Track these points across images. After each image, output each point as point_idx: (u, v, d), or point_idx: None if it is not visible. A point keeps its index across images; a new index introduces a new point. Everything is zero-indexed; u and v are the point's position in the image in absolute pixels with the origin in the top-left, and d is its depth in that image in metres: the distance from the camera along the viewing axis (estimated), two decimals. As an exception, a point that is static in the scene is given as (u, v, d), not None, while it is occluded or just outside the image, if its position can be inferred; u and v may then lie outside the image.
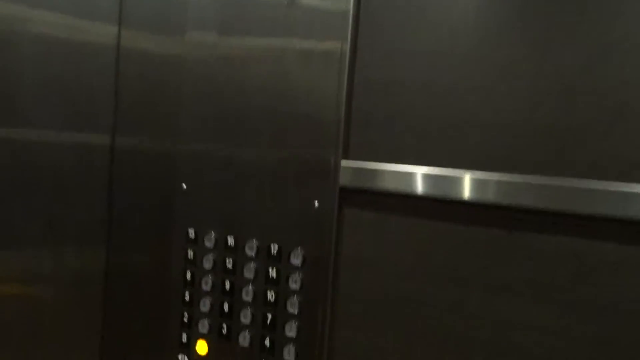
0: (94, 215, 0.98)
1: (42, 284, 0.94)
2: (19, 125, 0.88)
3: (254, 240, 0.82)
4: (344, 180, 0.74)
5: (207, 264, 0.86)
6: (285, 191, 0.79)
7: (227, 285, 0.84)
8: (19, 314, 0.91)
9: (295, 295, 0.78)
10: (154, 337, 0.93)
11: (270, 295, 0.80)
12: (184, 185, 0.89)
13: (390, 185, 0.71)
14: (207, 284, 0.86)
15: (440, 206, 0.68)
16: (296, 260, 0.78)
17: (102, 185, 0.98)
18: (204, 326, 0.87)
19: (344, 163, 0.74)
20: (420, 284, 0.70)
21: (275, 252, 0.80)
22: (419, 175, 0.69)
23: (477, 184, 0.65)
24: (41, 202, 0.92)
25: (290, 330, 0.78)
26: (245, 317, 0.82)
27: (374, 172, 0.72)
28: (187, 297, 0.89)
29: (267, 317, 0.80)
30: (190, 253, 0.88)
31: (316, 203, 0.76)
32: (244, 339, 0.82)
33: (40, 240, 0.93)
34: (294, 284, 0.78)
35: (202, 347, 0.87)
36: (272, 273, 0.80)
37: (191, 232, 0.88)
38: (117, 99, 0.96)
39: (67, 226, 0.95)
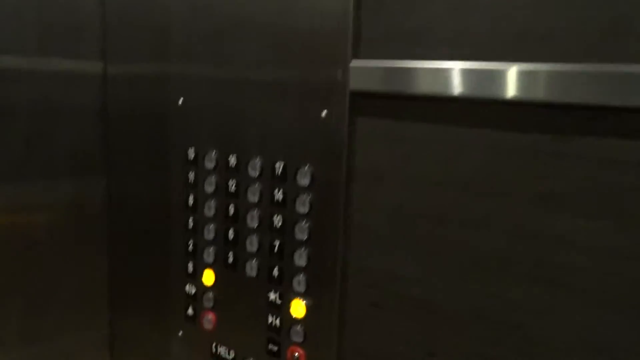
0: (90, 144, 0.90)
1: (42, 214, 0.88)
2: (2, 52, 0.81)
3: (257, 159, 0.72)
4: (354, 83, 0.62)
5: (209, 187, 0.77)
6: (287, 101, 0.68)
7: (231, 210, 0.75)
8: (23, 242, 0.86)
9: (304, 220, 0.68)
10: (159, 268, 0.87)
11: (277, 221, 0.71)
12: (180, 101, 0.79)
13: (411, 86, 0.59)
14: (210, 210, 0.78)
15: (474, 109, 0.56)
16: (304, 179, 0.67)
17: (96, 113, 0.90)
18: (209, 255, 0.79)
19: (354, 63, 0.62)
20: (447, 200, 0.59)
21: (279, 171, 0.69)
22: (449, 72, 0.56)
23: (523, 78, 0.52)
24: (34, 133, 0.84)
25: (300, 259, 0.69)
26: (252, 244, 0.74)
27: (391, 72, 0.60)
28: (190, 224, 0.81)
29: (274, 245, 0.71)
30: (191, 176, 0.79)
31: (323, 113, 0.65)
32: (251, 269, 0.74)
33: (37, 172, 0.86)
34: (302, 206, 0.68)
35: (208, 277, 0.79)
36: (278, 195, 0.70)
37: (191, 153, 0.79)
38: (104, 22, 0.86)
39: (64, 157, 0.88)
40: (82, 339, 0.95)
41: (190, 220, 0.80)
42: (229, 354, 0.79)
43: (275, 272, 0.72)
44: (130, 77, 0.87)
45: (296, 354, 0.71)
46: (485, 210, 0.56)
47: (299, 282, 0.70)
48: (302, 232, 0.68)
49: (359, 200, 0.65)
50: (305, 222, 0.68)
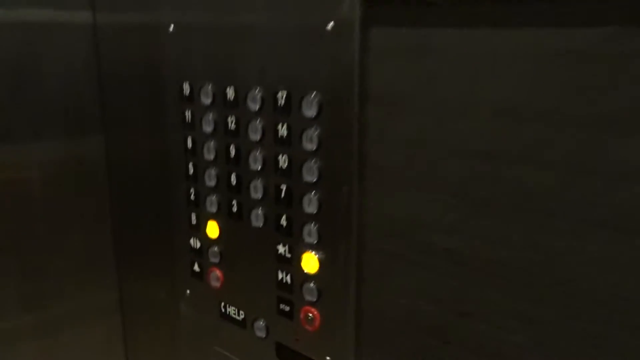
0: (83, 98, 0.81)
1: (36, 172, 0.80)
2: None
3: (257, 90, 0.61)
4: (366, -16, 0.50)
5: (207, 126, 0.67)
6: (287, 15, 0.57)
7: (232, 151, 0.65)
8: (16, 200, 0.79)
9: (313, 159, 0.57)
10: (163, 221, 0.78)
11: (282, 161, 0.60)
12: (171, 28, 0.69)
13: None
14: (209, 152, 0.68)
15: (514, 6, 0.43)
16: (310, 110, 0.56)
17: (86, 62, 0.81)
18: (212, 204, 0.69)
19: (365, -43, 0.50)
20: (483, 128, 0.46)
21: (282, 102, 0.58)
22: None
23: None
24: (21, 89, 0.76)
25: (310, 205, 0.58)
26: (256, 190, 0.64)
27: (410, -34, 0.47)
28: (190, 170, 0.71)
29: (280, 190, 0.61)
30: (188, 114, 0.69)
31: (330, 25, 0.53)
32: (257, 218, 0.64)
33: (31, 133, 0.79)
34: (309, 142, 0.57)
35: (212, 229, 0.70)
36: (282, 131, 0.59)
37: (186, 88, 0.69)
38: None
39: (59, 115, 0.80)
40: (90, 302, 0.89)
41: (190, 165, 0.71)
42: (238, 314, 0.70)
43: (283, 221, 0.61)
44: (121, 20, 0.77)
45: (310, 314, 0.61)
46: (531, 140, 0.44)
47: (310, 232, 0.59)
48: (310, 173, 0.58)
49: (376, 132, 0.53)
50: (314, 161, 0.57)
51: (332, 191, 0.57)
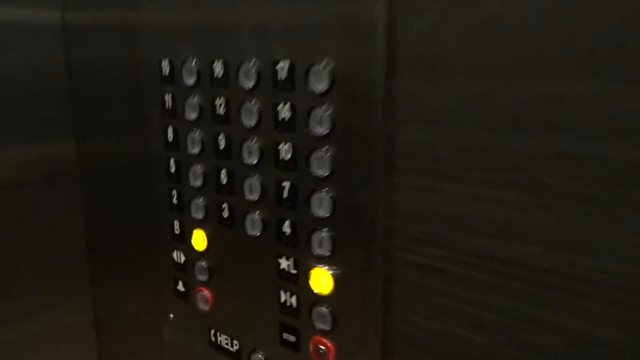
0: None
1: (3, 181, 0.68)
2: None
3: (252, 62, 0.48)
4: None
5: (192, 112, 0.54)
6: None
7: (222, 141, 0.52)
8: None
9: (324, 146, 0.44)
10: (142, 230, 0.65)
11: (285, 151, 0.47)
12: (147, -7, 0.56)
13: None
14: (194, 144, 0.55)
15: None
16: (319, 83, 0.43)
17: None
18: (198, 209, 0.56)
19: None
20: (553, 96, 0.34)
21: (284, 75, 0.46)
22: None
23: None
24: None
25: (321, 205, 0.46)
26: (252, 189, 0.51)
27: None
28: (171, 167, 0.58)
29: (282, 188, 0.48)
30: (168, 98, 0.56)
31: (345, -33, 0.40)
32: (253, 225, 0.51)
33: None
34: (319, 126, 0.44)
35: (199, 239, 0.57)
36: (284, 112, 0.46)
37: (165, 66, 0.56)
38: None
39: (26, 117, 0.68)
40: (61, 322, 0.76)
41: (172, 162, 0.58)
42: (231, 344, 0.57)
43: (287, 227, 0.49)
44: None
45: (322, 347, 0.48)
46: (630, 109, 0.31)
47: (321, 241, 0.46)
48: (321, 164, 0.45)
49: (407, 107, 0.40)
50: (326, 150, 0.44)
51: (350, 188, 0.44)
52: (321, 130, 0.44)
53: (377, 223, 0.43)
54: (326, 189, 0.45)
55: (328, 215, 0.45)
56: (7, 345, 0.73)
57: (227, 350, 0.58)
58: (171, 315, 0.64)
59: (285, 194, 0.48)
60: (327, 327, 0.47)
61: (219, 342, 0.58)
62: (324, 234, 0.46)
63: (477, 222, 0.38)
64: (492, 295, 0.38)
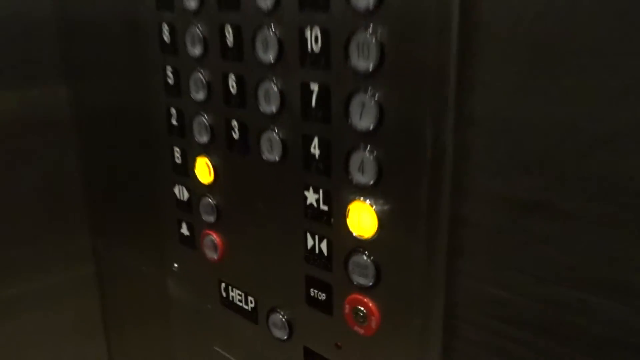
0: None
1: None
2: None
3: None
4: None
5: (191, 1, 0.41)
6: None
7: (229, 34, 0.39)
8: None
9: (369, 23, 0.31)
10: (140, 161, 0.53)
11: (312, 39, 0.34)
12: None
13: None
14: (194, 42, 0.42)
15: None
16: None
17: None
18: (202, 129, 0.44)
19: None
20: None
21: None
22: None
23: None
24: None
25: (363, 115, 0.32)
26: (269, 98, 0.38)
27: None
28: (168, 76, 0.45)
29: (310, 91, 0.35)
30: (162, -14, 0.43)
31: None
32: (271, 147, 0.39)
33: None
34: (363, -6, 0.30)
35: (203, 169, 0.45)
36: (312, -18, 0.33)
37: (157, -60, 0.43)
38: None
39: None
40: (61, 277, 0.66)
41: (168, 69, 0.45)
42: (246, 302, 0.45)
43: (315, 147, 0.36)
44: None
45: (361, 308, 0.36)
46: None
47: (362, 163, 0.33)
48: (364, 54, 0.31)
49: None
50: (371, 30, 0.31)
51: (403, 86, 0.30)
52: (365, 2, 0.30)
53: (445, 135, 0.29)
54: (370, 90, 0.32)
55: (373, 126, 0.32)
56: (7, 302, 0.63)
57: (241, 308, 0.46)
58: (175, 265, 0.52)
59: (313, 101, 0.35)
60: (369, 283, 0.35)
61: (231, 298, 0.47)
62: (367, 154, 0.33)
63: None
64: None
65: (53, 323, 0.66)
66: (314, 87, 0.34)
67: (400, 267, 0.33)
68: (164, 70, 0.45)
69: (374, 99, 0.31)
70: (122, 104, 0.55)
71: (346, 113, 0.33)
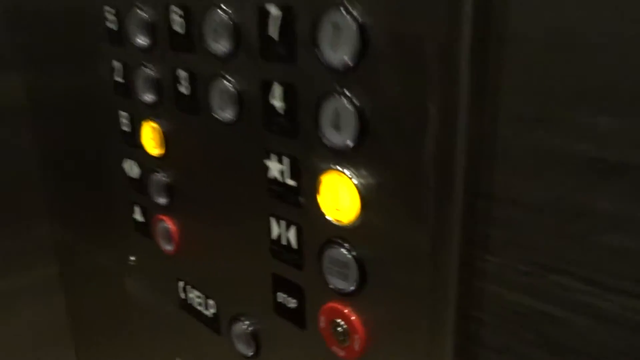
0: None
1: None
2: None
3: None
4: None
5: None
6: None
7: (171, -47, 0.29)
8: None
9: None
10: (92, 145, 0.44)
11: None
12: None
13: None
14: (135, -30, 0.32)
15: None
16: None
17: None
18: (147, 85, 0.34)
19: None
20: None
21: None
22: None
23: None
24: None
25: (337, 48, 0.22)
26: (219, 34, 0.28)
27: None
28: (110, 22, 0.36)
29: (268, 24, 0.25)
30: None
31: None
32: (225, 102, 0.29)
33: None
34: None
35: (149, 136, 0.35)
36: None
37: None
38: None
39: None
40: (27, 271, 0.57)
41: (110, 13, 0.36)
42: (206, 306, 0.36)
43: (277, 99, 0.26)
44: None
45: (340, 322, 0.26)
46: None
47: (338, 117, 0.23)
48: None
49: None
50: None
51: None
52: None
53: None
54: (347, 3, 0.21)
55: (352, 59, 0.22)
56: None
57: (201, 313, 0.36)
58: (131, 258, 0.43)
59: (274, 32, 0.25)
60: (350, 287, 0.25)
61: (189, 301, 0.37)
62: (343, 101, 0.23)
63: None
64: None
65: (11, 328, 0.58)
66: (275, 12, 0.24)
67: (393, 265, 0.23)
68: (105, 18, 0.36)
69: (352, 16, 0.21)
70: (73, 84, 0.45)
71: (314, 42, 0.23)
